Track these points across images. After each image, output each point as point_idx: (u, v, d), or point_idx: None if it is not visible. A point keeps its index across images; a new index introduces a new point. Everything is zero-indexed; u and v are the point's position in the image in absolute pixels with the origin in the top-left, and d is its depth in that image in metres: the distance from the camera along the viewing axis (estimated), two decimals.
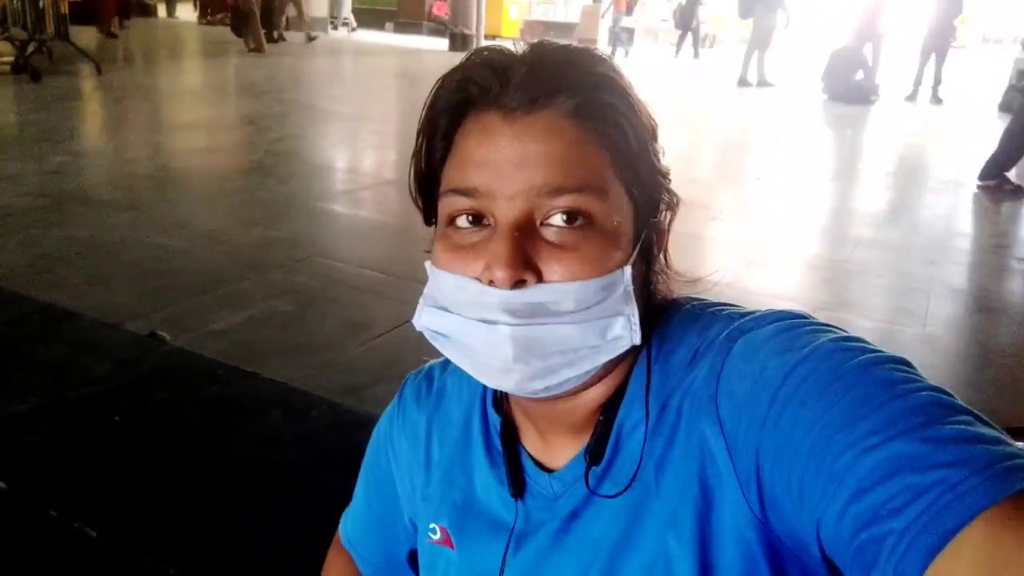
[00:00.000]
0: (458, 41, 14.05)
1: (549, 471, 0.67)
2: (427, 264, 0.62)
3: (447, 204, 0.59)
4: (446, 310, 0.60)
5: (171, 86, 9.16)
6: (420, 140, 0.63)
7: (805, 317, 0.57)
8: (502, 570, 0.67)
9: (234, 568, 1.62)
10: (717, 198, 5.25)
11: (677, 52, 15.94)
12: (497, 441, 0.71)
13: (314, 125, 7.16)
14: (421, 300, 0.64)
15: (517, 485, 0.68)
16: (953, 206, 5.53)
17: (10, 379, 2.29)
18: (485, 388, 0.73)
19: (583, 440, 0.65)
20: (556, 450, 0.67)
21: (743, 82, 12.05)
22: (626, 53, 15.80)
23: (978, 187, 5.71)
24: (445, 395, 0.77)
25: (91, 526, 1.67)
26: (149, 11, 19.00)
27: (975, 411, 0.46)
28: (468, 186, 0.58)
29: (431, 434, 0.77)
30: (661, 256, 0.67)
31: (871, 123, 9.66)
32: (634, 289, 0.59)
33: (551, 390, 0.60)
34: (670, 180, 0.65)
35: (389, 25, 19.10)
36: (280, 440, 2.09)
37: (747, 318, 0.60)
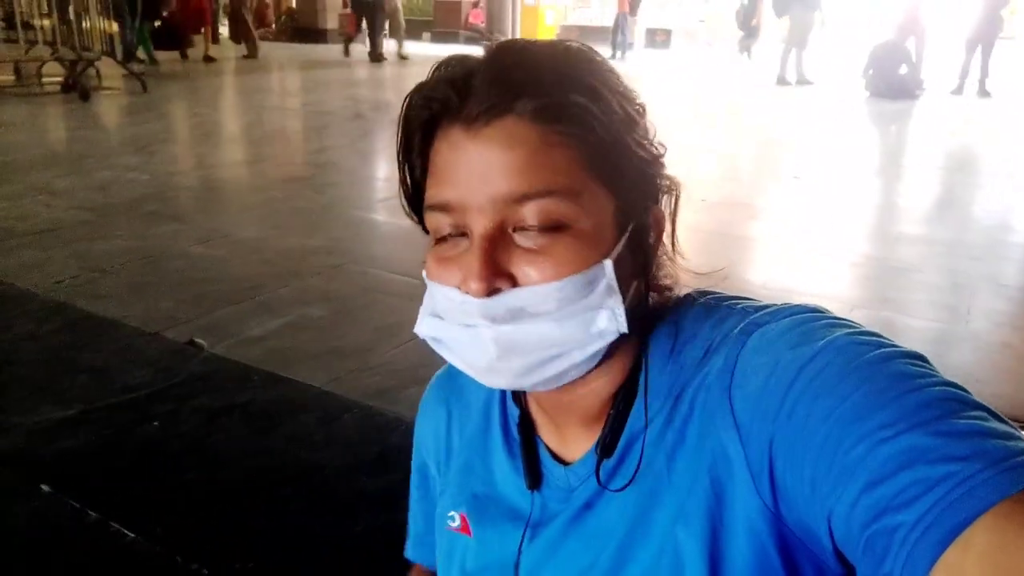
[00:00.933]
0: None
1: (566, 463, 0.68)
2: (424, 275, 0.64)
3: (430, 219, 0.61)
4: (440, 317, 0.62)
5: (211, 100, 9.37)
6: (399, 160, 0.64)
7: (822, 312, 0.57)
8: (518, 559, 0.69)
9: (268, 569, 1.65)
10: (756, 197, 5.18)
11: (742, 52, 15.12)
12: (515, 432, 0.72)
13: (352, 135, 7.26)
14: (421, 309, 0.65)
15: (534, 477, 0.69)
16: (1000, 202, 5.37)
17: (55, 386, 2.37)
18: None
19: (597, 431, 0.65)
20: (572, 442, 0.68)
21: (782, 81, 11.89)
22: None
23: None
24: (466, 387, 0.79)
25: (129, 528, 1.71)
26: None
27: (989, 407, 0.45)
28: (442, 201, 0.59)
29: (451, 425, 0.79)
30: (668, 243, 0.66)
31: (915, 118, 9.44)
32: (622, 281, 0.59)
33: (548, 383, 0.61)
34: (663, 164, 0.64)
35: (426, 35, 19.28)
36: (313, 443, 2.11)
37: (762, 312, 0.59)
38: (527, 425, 0.71)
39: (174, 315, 2.93)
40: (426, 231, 0.66)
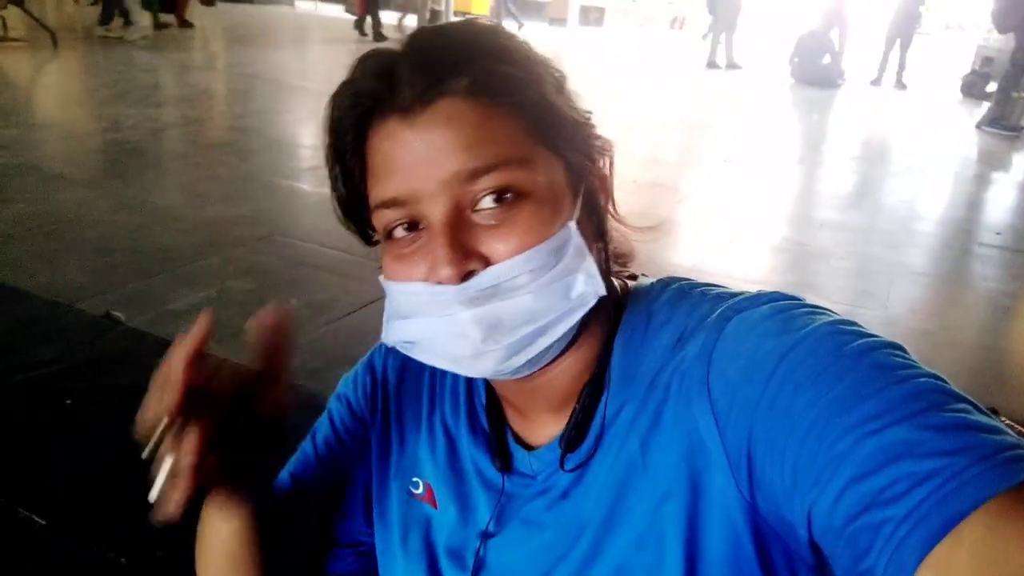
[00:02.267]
0: (426, 19, 13.78)
1: (529, 448, 0.67)
2: (380, 279, 0.62)
3: (380, 219, 0.59)
4: (407, 316, 0.60)
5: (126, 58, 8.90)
6: (332, 165, 0.62)
7: (799, 299, 0.57)
8: (483, 542, 0.67)
9: (191, 557, 1.58)
10: (684, 181, 5.26)
11: (706, 37, 14.23)
12: (480, 412, 0.71)
13: (277, 100, 7.01)
14: (384, 317, 0.63)
15: (504, 459, 0.68)
16: (912, 191, 5.61)
17: None
18: None
19: (563, 416, 0.65)
20: (537, 427, 0.68)
21: (712, 64, 12.08)
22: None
23: None
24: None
25: (39, 515, 1.61)
26: None
27: (971, 398, 0.45)
28: (390, 196, 0.57)
29: (420, 389, 0.77)
30: (610, 204, 0.66)
31: (837, 107, 9.77)
32: (587, 242, 0.59)
33: (533, 364, 0.60)
34: (593, 125, 0.64)
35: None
36: None
37: (739, 298, 0.59)
38: (495, 407, 0.71)
39: (87, 286, 2.77)
40: (364, 238, 0.65)
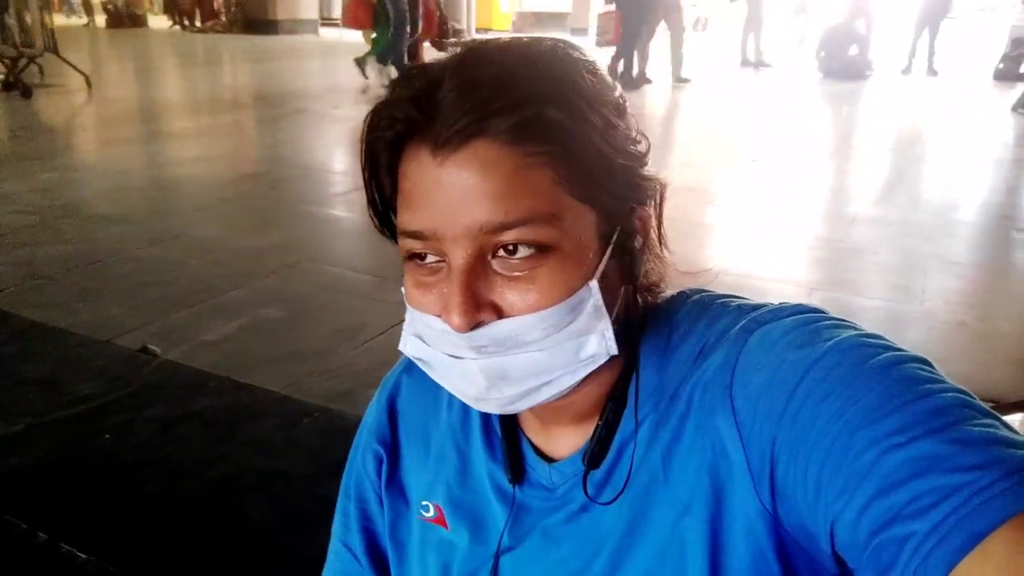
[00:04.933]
0: (449, 36, 13.91)
1: (550, 460, 0.66)
2: (403, 291, 0.61)
3: (403, 243, 0.58)
4: (422, 340, 0.60)
5: (160, 95, 9.14)
6: (366, 175, 0.60)
7: (823, 312, 0.56)
8: (497, 559, 0.66)
9: None
10: (714, 182, 5.21)
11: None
12: (496, 424, 0.70)
13: (307, 128, 7.13)
14: (404, 327, 0.62)
15: (516, 471, 0.67)
16: (947, 180, 5.48)
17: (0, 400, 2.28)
18: None
19: (585, 429, 0.64)
20: (558, 439, 0.66)
21: (745, 63, 12.00)
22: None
23: None
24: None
25: (81, 548, 1.65)
26: (139, 21, 19.07)
27: (997, 414, 0.45)
28: (415, 230, 0.55)
29: (426, 411, 0.75)
30: (655, 242, 0.64)
31: (866, 98, 9.59)
32: (609, 294, 0.57)
33: (536, 406, 0.60)
34: (646, 163, 0.60)
35: None
36: (272, 449, 2.07)
37: (762, 310, 0.58)
38: (508, 417, 0.69)
39: (124, 321, 2.84)
40: (396, 241, 0.62)
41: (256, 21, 17.01)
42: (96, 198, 4.56)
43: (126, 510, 1.81)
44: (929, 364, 0.48)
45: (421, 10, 9.73)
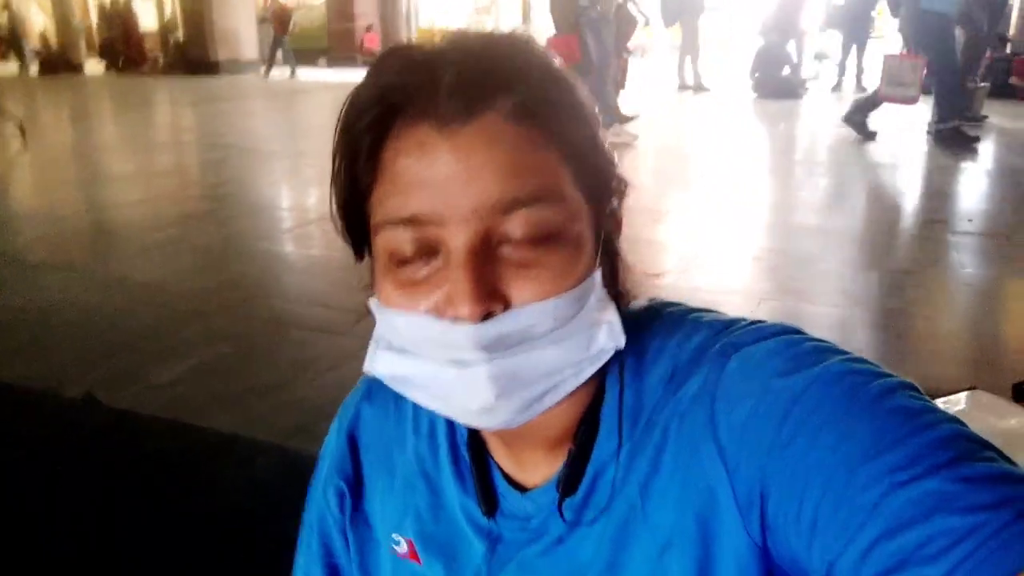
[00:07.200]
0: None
1: (523, 489, 0.62)
2: (371, 303, 0.56)
3: (386, 239, 0.53)
4: (405, 351, 0.54)
5: (99, 140, 8.96)
6: (339, 164, 0.55)
7: (800, 331, 0.54)
8: None
9: None
10: (661, 201, 5.30)
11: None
12: (465, 453, 0.65)
13: (252, 167, 7.05)
14: (372, 343, 0.57)
15: (488, 503, 0.63)
16: (886, 188, 5.66)
17: None
18: None
19: (558, 455, 0.60)
20: (529, 467, 0.63)
21: (683, 87, 12.28)
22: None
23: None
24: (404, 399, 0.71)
25: None
26: (74, 67, 18.77)
27: (992, 443, 0.44)
28: (409, 214, 0.51)
29: (389, 439, 0.71)
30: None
31: (801, 116, 9.90)
32: (606, 290, 0.55)
33: (535, 417, 0.56)
34: (617, 165, 0.59)
35: (322, 60, 19.00)
36: (226, 490, 2.01)
37: (737, 330, 0.56)
38: (478, 445, 0.65)
39: (69, 371, 2.75)
40: (358, 252, 0.59)
41: (195, 62, 16.82)
42: (36, 245, 4.42)
43: (71, 563, 1.73)
44: (917, 389, 0.47)
45: None
